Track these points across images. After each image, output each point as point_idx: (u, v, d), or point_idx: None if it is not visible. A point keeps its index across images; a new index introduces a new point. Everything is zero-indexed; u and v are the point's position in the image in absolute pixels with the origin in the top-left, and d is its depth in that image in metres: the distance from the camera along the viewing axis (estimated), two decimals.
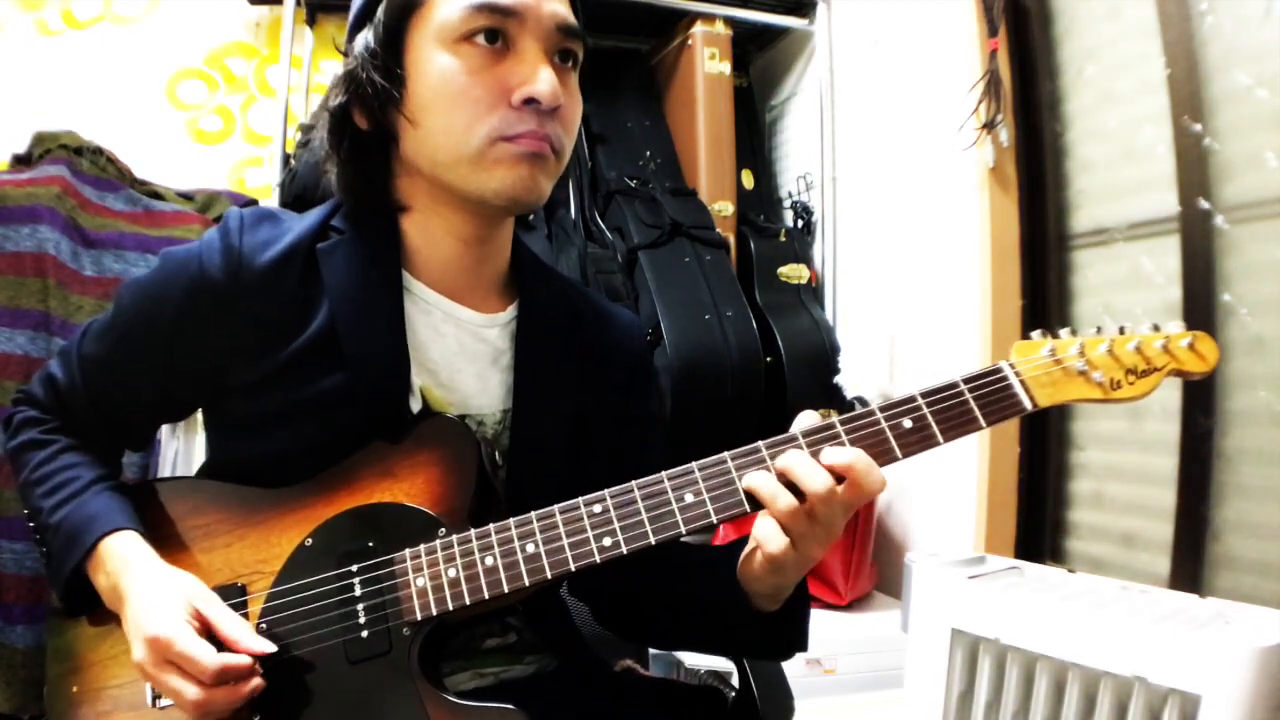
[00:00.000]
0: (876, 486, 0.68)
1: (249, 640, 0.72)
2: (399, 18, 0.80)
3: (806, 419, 0.73)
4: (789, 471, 0.69)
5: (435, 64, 0.78)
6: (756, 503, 0.70)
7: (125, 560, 0.76)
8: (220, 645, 0.71)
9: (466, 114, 0.78)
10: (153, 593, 0.73)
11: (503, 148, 0.78)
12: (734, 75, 2.53)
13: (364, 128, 0.83)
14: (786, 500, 0.68)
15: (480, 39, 0.78)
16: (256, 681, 0.71)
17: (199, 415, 0.92)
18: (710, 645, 0.92)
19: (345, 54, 0.86)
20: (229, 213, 0.84)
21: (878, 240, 2.37)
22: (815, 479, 0.67)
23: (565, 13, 0.81)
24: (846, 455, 0.68)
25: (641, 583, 0.90)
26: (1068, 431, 1.92)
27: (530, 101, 0.77)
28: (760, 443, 0.72)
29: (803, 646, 0.85)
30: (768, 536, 0.69)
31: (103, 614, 0.80)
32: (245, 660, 0.71)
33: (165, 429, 1.77)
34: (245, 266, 0.80)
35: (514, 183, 0.79)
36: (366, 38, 0.82)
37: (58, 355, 0.89)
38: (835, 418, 0.72)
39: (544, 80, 0.77)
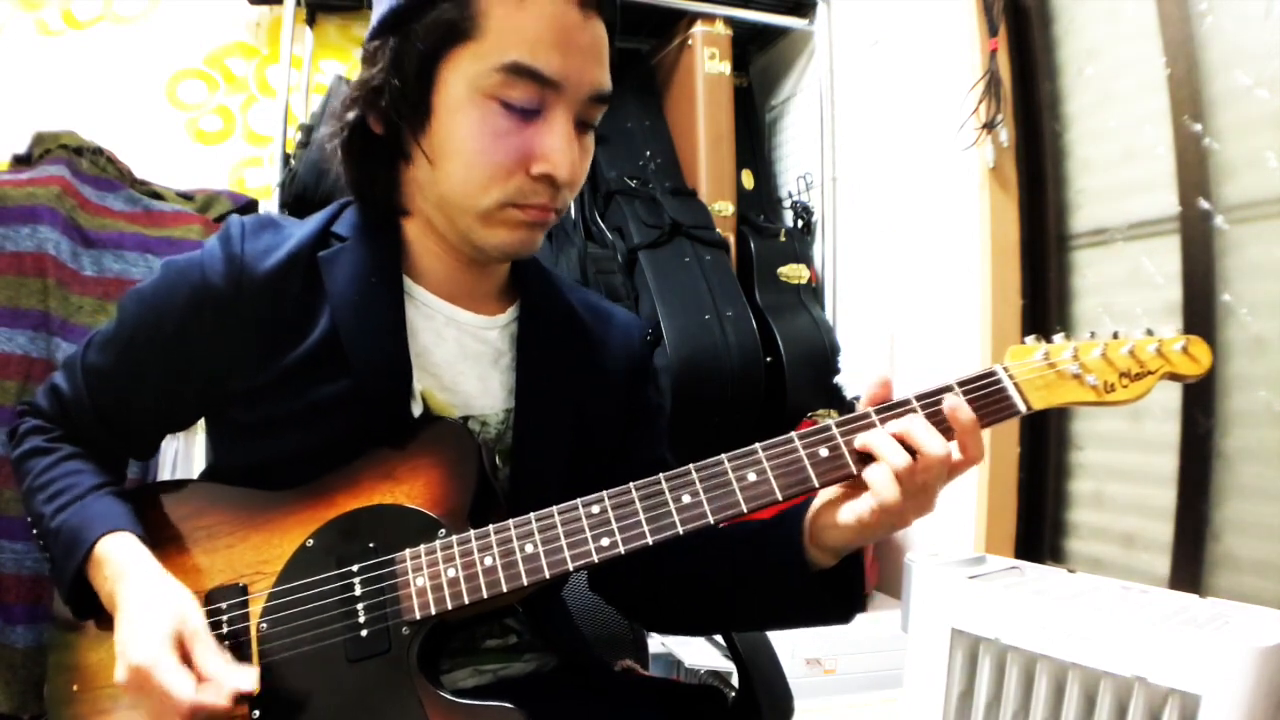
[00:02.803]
0: (979, 455, 0.71)
1: (227, 677, 0.70)
2: (436, 47, 0.76)
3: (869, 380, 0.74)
4: (908, 435, 0.70)
5: (463, 114, 0.76)
6: (756, 503, 0.71)
7: (122, 565, 0.76)
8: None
9: (484, 174, 0.77)
10: (140, 613, 0.73)
11: (511, 213, 0.78)
12: (734, 75, 2.54)
13: (378, 133, 0.82)
14: (903, 457, 0.69)
15: (514, 100, 0.76)
16: None
17: (200, 420, 0.92)
18: (767, 616, 0.90)
19: (366, 54, 0.82)
20: (230, 220, 0.84)
21: (878, 240, 2.37)
22: (934, 442, 0.69)
23: (603, 80, 0.79)
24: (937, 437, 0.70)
25: (681, 571, 0.89)
26: (1068, 431, 1.92)
27: (548, 176, 0.77)
28: (757, 445, 0.73)
29: (863, 604, 0.84)
30: (883, 485, 0.69)
31: (104, 616, 0.81)
32: (220, 702, 0.69)
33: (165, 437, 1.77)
34: (247, 274, 0.80)
35: (513, 243, 0.80)
36: (398, 53, 0.78)
37: (62, 367, 0.89)
38: (833, 419, 0.72)
39: (566, 163, 0.77)
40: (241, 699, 0.71)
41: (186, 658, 0.71)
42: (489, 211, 0.78)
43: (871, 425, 0.72)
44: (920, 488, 0.70)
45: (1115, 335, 0.73)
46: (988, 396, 0.71)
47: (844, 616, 0.83)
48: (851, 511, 0.73)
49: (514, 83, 0.75)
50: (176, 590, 0.76)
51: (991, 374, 0.72)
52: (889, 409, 0.73)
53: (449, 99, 0.77)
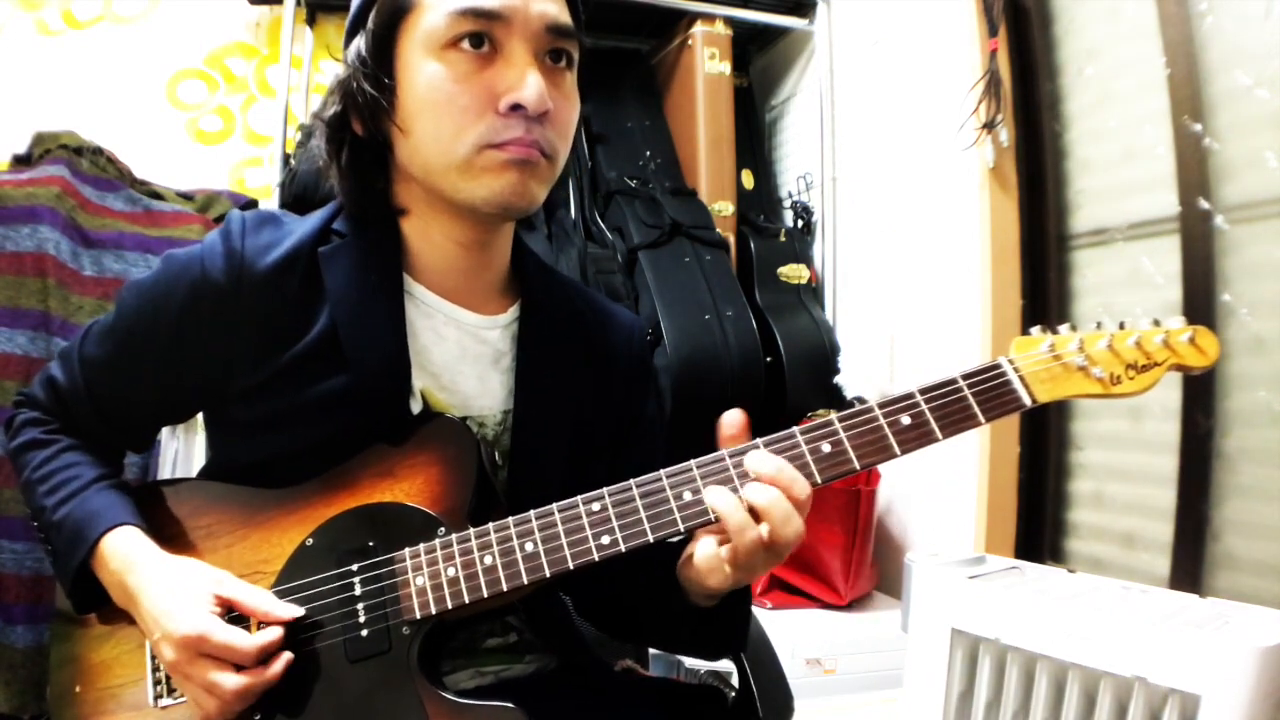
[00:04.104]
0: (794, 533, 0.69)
1: (276, 609, 0.74)
2: (388, 25, 0.80)
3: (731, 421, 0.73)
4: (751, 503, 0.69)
5: (423, 72, 0.78)
6: None
7: (129, 558, 0.77)
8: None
9: (453, 122, 0.77)
10: (168, 591, 0.74)
11: (490, 155, 0.77)
12: (734, 75, 2.54)
13: (361, 134, 0.83)
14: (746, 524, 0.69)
15: (466, 44, 0.77)
16: (286, 658, 0.72)
17: (199, 416, 0.92)
18: (657, 640, 0.95)
19: (343, 61, 0.85)
20: (230, 215, 0.84)
21: (878, 240, 2.37)
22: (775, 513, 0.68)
23: (556, 12, 0.79)
24: (766, 494, 0.69)
25: (617, 576, 0.90)
26: (1068, 431, 1.92)
27: (517, 108, 0.76)
28: (760, 440, 0.73)
29: (740, 646, 0.88)
30: (714, 566, 0.70)
31: (107, 614, 0.81)
32: (278, 633, 0.73)
33: (165, 430, 1.77)
34: (247, 269, 0.80)
35: (502, 189, 0.78)
36: (358, 45, 0.82)
37: (58, 357, 0.89)
38: (834, 415, 0.72)
39: (530, 86, 0.76)
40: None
41: (225, 615, 0.73)
42: (468, 159, 0.78)
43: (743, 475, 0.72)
44: (760, 551, 0.70)
45: (1122, 326, 0.72)
46: (993, 390, 0.70)
47: (713, 654, 0.87)
48: (702, 558, 0.74)
49: (460, 25, 0.77)
50: (190, 563, 0.77)
51: (996, 367, 0.71)
52: (736, 454, 0.72)
53: (408, 65, 0.79)
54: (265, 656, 0.72)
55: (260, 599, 0.74)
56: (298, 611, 0.74)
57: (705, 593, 0.76)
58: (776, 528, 0.68)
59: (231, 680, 0.70)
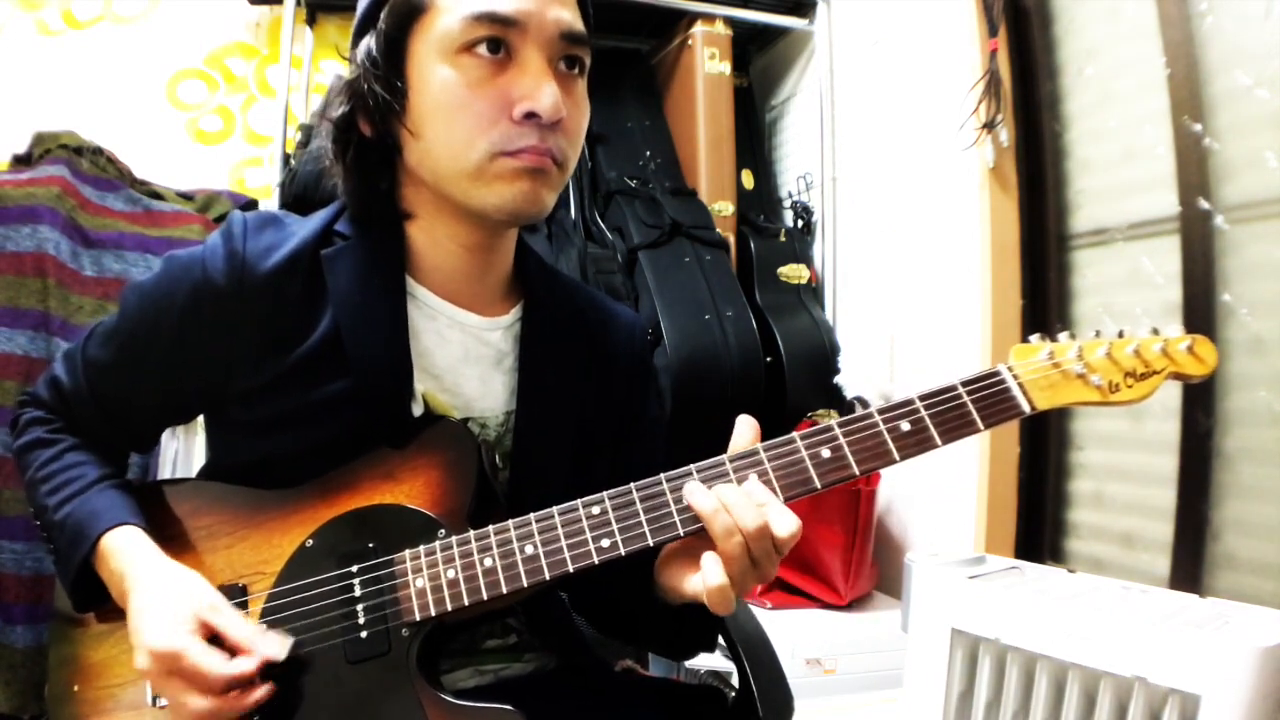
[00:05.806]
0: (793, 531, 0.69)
1: (259, 644, 0.72)
2: (400, 26, 0.79)
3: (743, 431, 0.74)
4: (729, 507, 0.69)
5: (436, 76, 0.77)
6: None
7: (129, 558, 0.77)
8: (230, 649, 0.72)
9: (467, 128, 0.77)
10: (157, 600, 0.73)
11: (503, 163, 0.77)
12: (734, 75, 2.53)
13: (368, 135, 0.83)
14: (734, 534, 0.69)
15: (481, 49, 0.76)
16: (263, 691, 0.71)
17: (200, 416, 0.92)
18: (647, 640, 0.95)
19: (350, 60, 0.85)
20: (232, 216, 0.83)
21: (878, 240, 2.37)
22: (748, 516, 0.68)
23: (570, 19, 0.79)
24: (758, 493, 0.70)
25: (615, 579, 0.89)
26: (1068, 431, 1.92)
27: (531, 116, 0.76)
28: (759, 445, 0.73)
29: (709, 646, 0.89)
30: (710, 572, 0.70)
31: (106, 613, 0.81)
32: (252, 667, 0.70)
33: (165, 430, 1.77)
34: (249, 271, 0.80)
35: (514, 197, 0.78)
36: (369, 45, 0.81)
37: (62, 357, 0.89)
38: (834, 419, 0.72)
39: (546, 94, 0.76)
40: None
41: (208, 637, 0.71)
42: (480, 166, 0.77)
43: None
44: (746, 564, 0.70)
45: (1120, 334, 0.72)
46: (992, 397, 0.71)
47: (679, 654, 0.89)
48: (686, 573, 0.74)
49: (475, 30, 0.76)
50: (186, 573, 0.76)
51: (995, 374, 0.71)
52: (737, 459, 0.72)
53: (421, 68, 0.78)
54: (240, 684, 0.70)
55: (245, 632, 0.72)
56: (280, 651, 0.72)
57: (679, 592, 0.76)
58: (757, 555, 0.69)
59: (198, 703, 0.69)
